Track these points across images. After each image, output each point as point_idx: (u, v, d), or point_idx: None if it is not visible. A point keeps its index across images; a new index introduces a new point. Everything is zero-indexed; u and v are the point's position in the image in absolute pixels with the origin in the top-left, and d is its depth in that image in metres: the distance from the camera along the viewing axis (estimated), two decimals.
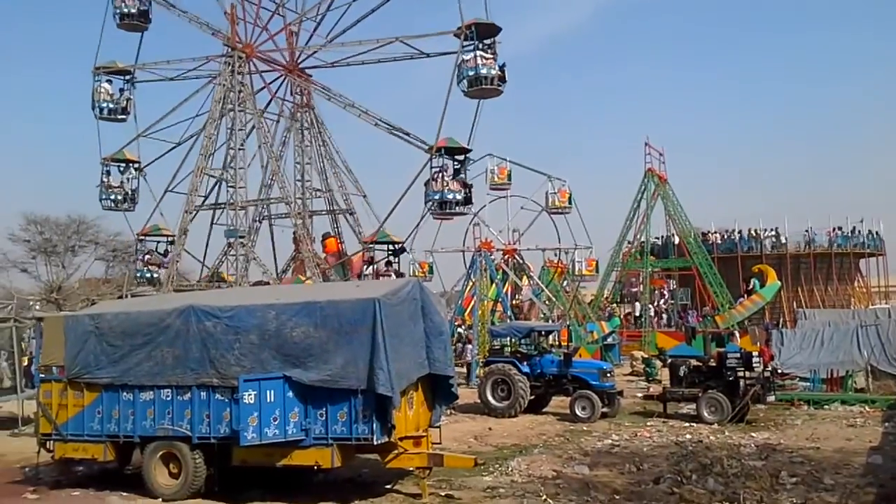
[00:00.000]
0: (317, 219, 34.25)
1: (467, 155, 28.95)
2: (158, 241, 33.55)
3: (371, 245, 28.95)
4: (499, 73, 28.19)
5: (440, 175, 28.15)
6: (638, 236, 45.58)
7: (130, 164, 33.73)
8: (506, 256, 37.45)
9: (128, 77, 33.55)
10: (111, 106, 33.02)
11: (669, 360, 22.75)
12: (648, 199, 44.06)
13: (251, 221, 32.38)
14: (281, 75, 33.08)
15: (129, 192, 33.59)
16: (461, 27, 28.18)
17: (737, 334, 34.77)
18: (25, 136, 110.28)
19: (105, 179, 33.17)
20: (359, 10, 32.17)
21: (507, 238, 36.90)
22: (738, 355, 20.66)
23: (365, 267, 29.01)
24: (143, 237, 33.04)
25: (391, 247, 29.79)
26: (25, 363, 21.09)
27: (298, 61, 32.75)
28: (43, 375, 13.50)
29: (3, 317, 22.12)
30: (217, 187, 32.11)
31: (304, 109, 33.42)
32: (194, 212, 30.64)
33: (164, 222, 33.02)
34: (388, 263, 29.96)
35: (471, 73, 27.93)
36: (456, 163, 28.87)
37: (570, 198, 36.74)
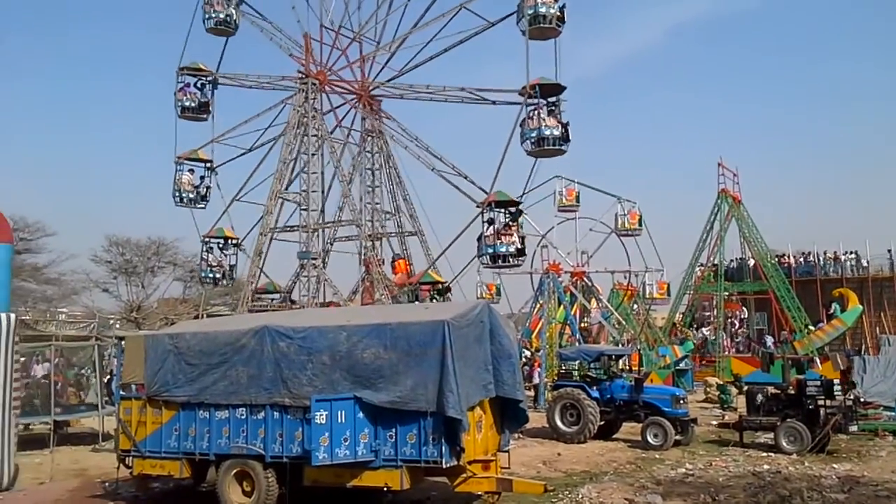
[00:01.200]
0: (385, 242, 34.76)
1: (519, 207, 29.02)
2: (222, 244, 34.55)
3: (488, 206, 28.94)
4: (562, 132, 28.23)
5: (492, 228, 28.32)
6: (711, 259, 44.58)
7: (204, 164, 34.94)
8: (574, 279, 37.10)
9: (209, 78, 34.75)
10: (192, 104, 34.21)
11: (746, 387, 22.07)
12: (722, 220, 43.11)
13: (323, 243, 32.96)
14: (352, 101, 33.82)
15: (202, 190, 34.73)
16: (525, 87, 28.43)
17: (817, 361, 33.56)
18: (108, 163, 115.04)
19: (179, 177, 34.40)
20: (431, 48, 32.67)
21: (575, 260, 36.61)
22: (819, 383, 19.88)
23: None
24: (208, 239, 34.08)
25: (436, 287, 30.02)
26: (106, 380, 21.86)
27: (370, 89, 33.42)
28: (123, 393, 13.97)
29: (86, 335, 22.98)
30: (281, 208, 32.93)
31: (374, 134, 34.04)
32: (269, 234, 31.42)
33: (231, 227, 34.13)
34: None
35: (533, 134, 28.07)
36: (508, 214, 28.96)
37: (640, 220, 36.23)
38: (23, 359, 17.30)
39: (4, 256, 12.85)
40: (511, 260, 28.97)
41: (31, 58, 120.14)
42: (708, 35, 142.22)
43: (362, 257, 33.16)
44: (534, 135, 28.14)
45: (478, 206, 28.78)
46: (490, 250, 28.37)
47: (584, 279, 36.98)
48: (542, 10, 28.48)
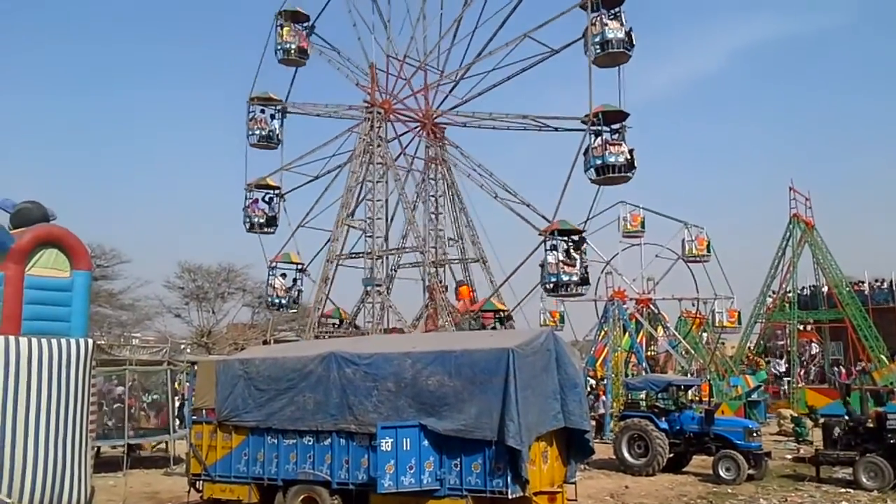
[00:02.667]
0: (448, 268, 34.92)
1: (582, 235, 28.76)
2: (288, 270, 35.25)
3: (551, 234, 28.76)
4: (627, 160, 27.89)
5: (554, 256, 28.05)
6: (784, 286, 43.37)
7: (273, 191, 35.85)
8: (640, 306, 36.56)
9: (279, 108, 35.75)
10: (263, 133, 35.20)
11: (822, 420, 21.30)
12: (794, 246, 41.96)
13: (387, 270, 33.31)
14: (415, 129, 34.30)
15: (270, 217, 35.58)
16: (588, 115, 28.19)
17: None
18: (182, 190, 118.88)
19: (249, 203, 35.35)
20: (494, 76, 32.93)
21: (641, 287, 36.12)
22: None
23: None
24: (274, 264, 34.82)
25: (497, 315, 29.87)
26: (178, 405, 22.42)
27: (434, 117, 33.84)
28: (195, 417, 14.32)
29: (158, 360, 23.62)
30: (347, 235, 33.50)
31: (437, 161, 34.39)
32: (335, 260, 31.92)
33: (297, 252, 34.86)
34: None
35: (598, 162, 27.79)
36: (571, 243, 28.69)
37: (708, 245, 35.56)
38: (99, 382, 17.85)
39: (84, 283, 13.31)
40: (574, 289, 28.59)
41: (107, 89, 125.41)
42: (778, 56, 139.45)
43: (426, 284, 33.38)
44: (598, 163, 27.79)
45: (540, 235, 28.58)
46: (553, 279, 28.06)
47: (651, 306, 36.42)
48: (610, 35, 28.22)
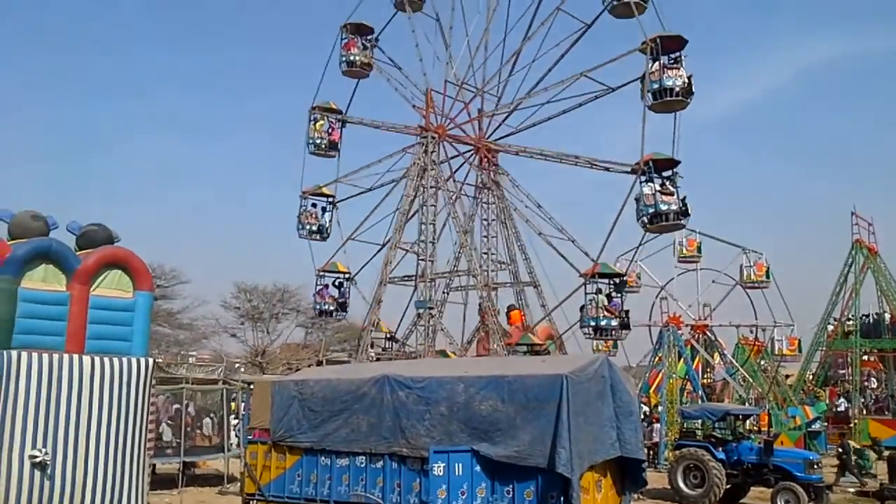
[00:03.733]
0: (501, 292, 34.81)
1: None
2: (336, 277, 35.49)
3: (591, 277, 28.29)
4: (679, 207, 27.29)
5: (594, 301, 27.63)
6: (846, 313, 42.03)
7: (327, 199, 36.30)
8: (695, 332, 35.87)
9: (339, 118, 36.28)
10: (322, 142, 35.73)
11: (887, 453, 20.53)
12: (857, 272, 40.73)
13: (440, 293, 33.33)
14: (468, 154, 34.46)
15: (324, 225, 36.00)
16: (646, 42, 27.68)
17: None
18: (243, 210, 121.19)
19: (304, 211, 35.83)
20: (548, 108, 32.91)
21: (697, 313, 35.43)
22: None
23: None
24: (322, 273, 35.15)
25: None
26: (235, 424, 22.68)
27: (486, 135, 33.98)
28: (250, 437, 14.47)
29: (214, 378, 23.97)
30: (403, 257, 33.69)
31: (490, 185, 34.44)
32: (387, 283, 32.14)
33: (345, 261, 35.17)
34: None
35: (650, 211, 27.27)
36: (612, 286, 28.26)
37: (767, 271, 34.80)
38: (159, 401, 18.20)
39: (146, 304, 13.61)
40: (613, 333, 28.18)
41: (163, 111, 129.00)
42: (838, 77, 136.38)
43: (479, 307, 33.27)
44: (650, 211, 27.21)
45: (580, 277, 28.23)
46: (592, 322, 27.69)
47: (707, 333, 35.68)
48: (669, 82, 27.68)
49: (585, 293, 27.98)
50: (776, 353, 35.52)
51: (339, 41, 35.55)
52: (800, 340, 36.45)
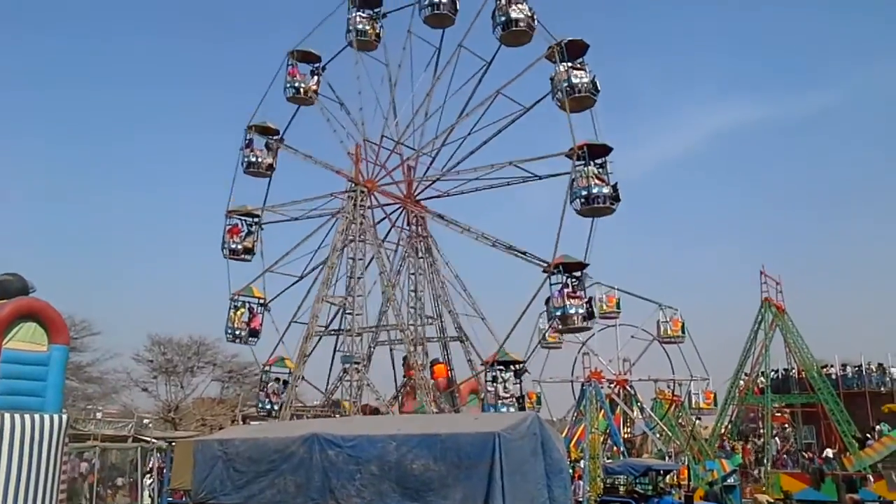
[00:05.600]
0: (430, 345, 34.63)
1: (585, 271, 28.68)
2: (280, 375, 33.94)
3: (491, 365, 28.60)
4: (611, 191, 28.37)
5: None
6: (756, 368, 43.50)
7: (253, 219, 35.49)
8: (616, 387, 36.49)
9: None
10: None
11: None
12: (766, 329, 42.26)
13: (367, 347, 32.92)
14: (399, 207, 34.48)
15: (249, 245, 35.13)
16: (573, 148, 28.75)
17: (870, 478, 32.04)
18: (156, 261, 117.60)
19: (232, 315, 34.64)
20: (471, 143, 33.43)
21: (617, 368, 36.12)
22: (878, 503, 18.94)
23: (487, 385, 28.53)
24: (268, 368, 33.82)
25: (513, 367, 29.25)
26: (148, 483, 21.65)
27: (415, 193, 34.13)
28: (170, 499, 13.82)
29: (124, 435, 22.94)
30: (336, 314, 33.06)
31: (419, 238, 34.50)
32: (315, 338, 31.50)
33: (287, 354, 33.71)
34: (518, 377, 29.17)
35: (583, 193, 28.17)
36: (574, 279, 28.69)
37: (683, 327, 35.93)
38: (69, 458, 17.26)
39: (61, 358, 13.05)
40: (582, 322, 28.30)
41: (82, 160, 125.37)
42: (747, 140, 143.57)
43: (404, 362, 32.98)
44: (584, 193, 28.17)
45: (544, 271, 28.50)
46: (559, 312, 27.81)
47: (627, 388, 36.34)
48: (575, 80, 29.37)
49: (550, 285, 28.23)
50: (693, 406, 36.39)
51: (286, 67, 35.35)
52: (715, 394, 37.54)
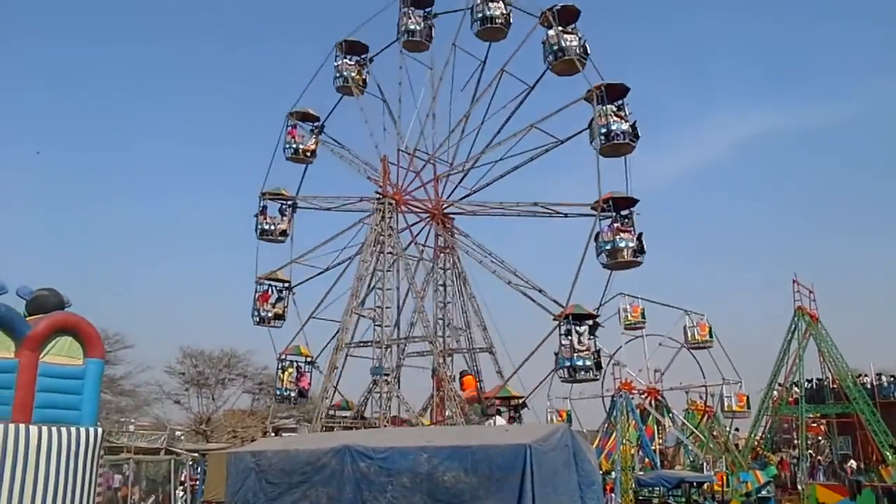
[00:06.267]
0: (457, 358, 34.63)
1: (596, 320, 28.69)
2: (298, 362, 34.54)
3: (493, 400, 28.94)
4: (637, 244, 28.17)
5: (569, 342, 27.90)
6: (790, 378, 42.78)
7: (283, 284, 35.65)
8: (647, 397, 36.13)
9: (290, 203, 35.96)
10: (272, 228, 35.26)
11: None
12: (800, 339, 41.57)
13: (396, 359, 32.99)
14: (426, 220, 34.60)
15: (279, 311, 35.27)
16: (598, 201, 28.63)
17: None
18: (189, 272, 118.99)
19: (258, 296, 35.08)
20: (502, 166, 33.60)
21: (647, 378, 35.83)
22: None
23: (561, 339, 28.39)
24: (283, 357, 34.25)
25: (512, 402, 29.51)
26: (181, 495, 21.79)
27: (443, 208, 34.23)
28: None
29: (156, 447, 23.12)
30: (358, 324, 33.26)
31: (447, 251, 34.58)
32: (344, 349, 31.67)
33: (306, 344, 34.33)
34: (511, 420, 29.39)
35: (608, 247, 28.04)
36: (585, 327, 28.53)
37: (710, 331, 35.72)
38: (104, 471, 17.46)
39: (96, 372, 13.14)
40: (589, 373, 28.23)
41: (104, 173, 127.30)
42: (773, 149, 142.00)
43: (433, 373, 32.99)
44: (608, 247, 28.00)
45: (554, 320, 28.49)
46: (567, 363, 27.79)
47: (659, 398, 35.99)
48: (615, 127, 28.95)
49: (560, 335, 28.11)
50: (726, 409, 36.06)
51: (285, 129, 35.84)
52: (748, 397, 37.13)
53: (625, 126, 29.13)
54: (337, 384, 31.93)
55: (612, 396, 33.44)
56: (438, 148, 34.82)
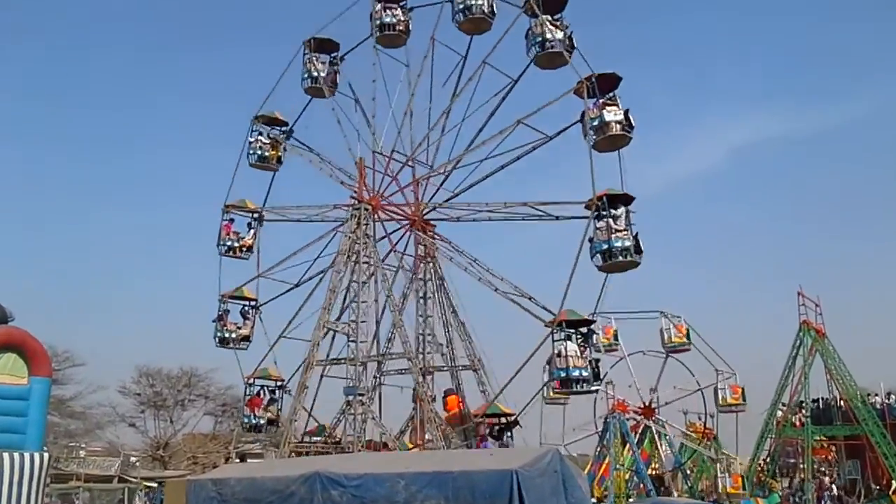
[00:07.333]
0: (438, 376, 34.43)
1: (591, 327, 28.52)
2: (266, 386, 34.06)
3: (481, 418, 28.69)
4: (634, 244, 27.95)
5: (563, 351, 27.65)
6: (795, 398, 43.05)
7: (249, 303, 35.25)
8: (641, 417, 36.41)
9: (255, 216, 35.77)
10: (236, 244, 35.00)
11: None
12: (805, 355, 41.93)
13: (371, 378, 32.78)
14: (405, 227, 34.46)
15: (246, 333, 34.80)
16: (592, 199, 28.40)
17: None
18: (144, 286, 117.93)
19: (221, 317, 34.63)
20: (487, 166, 33.26)
21: (638, 395, 36.19)
22: None
23: (555, 346, 28.22)
24: (251, 381, 33.84)
25: (502, 420, 29.32)
26: None
27: (423, 214, 34.13)
28: None
29: (109, 475, 22.89)
30: (334, 341, 32.96)
31: (427, 261, 34.45)
32: (315, 367, 31.34)
33: (276, 367, 33.88)
34: (498, 437, 29.18)
35: (603, 247, 27.84)
36: (579, 335, 28.41)
37: (687, 333, 36.50)
38: (51, 500, 17.27)
39: (43, 392, 13.04)
40: (585, 385, 27.87)
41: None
42: (772, 154, 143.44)
43: (413, 393, 32.84)
44: (604, 248, 27.75)
45: (547, 326, 28.17)
46: (562, 374, 27.43)
47: (656, 417, 36.28)
48: (609, 117, 28.70)
49: (553, 342, 27.77)
50: (721, 402, 36.44)
51: (250, 133, 35.60)
52: (743, 388, 37.49)
53: (619, 116, 28.74)
54: (310, 407, 31.59)
55: (605, 418, 33.47)
56: (417, 148, 34.59)
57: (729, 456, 38.25)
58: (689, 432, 39.97)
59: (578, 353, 27.23)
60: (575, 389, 27.79)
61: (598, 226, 28.05)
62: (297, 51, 35.72)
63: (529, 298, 29.42)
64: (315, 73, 35.08)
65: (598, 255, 27.91)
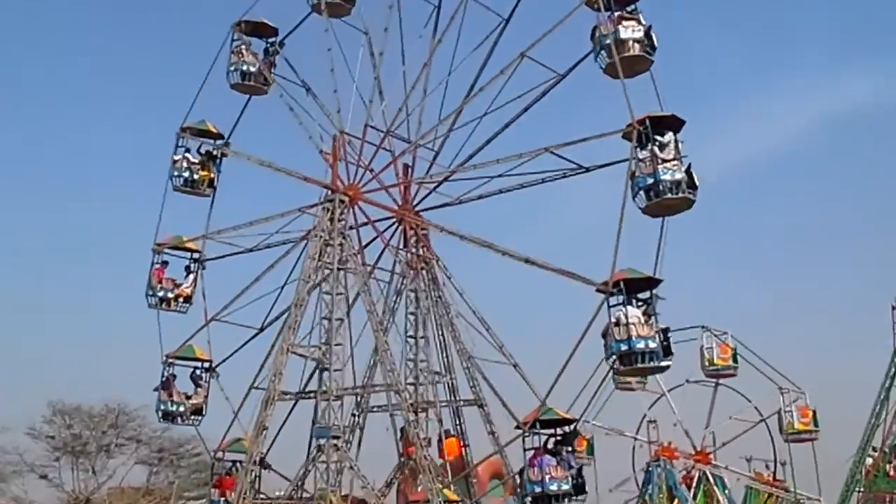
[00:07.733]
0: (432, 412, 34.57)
1: (656, 291, 27.97)
2: (236, 462, 33.48)
3: (528, 428, 27.92)
4: (686, 177, 27.50)
5: (623, 318, 26.95)
6: (889, 441, 43.22)
7: (190, 253, 35.27)
8: (695, 465, 36.65)
9: (195, 256, 35.64)
10: (170, 294, 34.85)
11: None
12: None
13: (349, 416, 32.89)
14: (392, 221, 34.47)
15: (198, 401, 34.62)
16: (632, 124, 27.95)
17: None
18: (57, 303, 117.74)
19: (166, 383, 34.41)
20: (488, 128, 33.30)
21: (687, 436, 36.44)
22: None
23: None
24: (220, 454, 33.58)
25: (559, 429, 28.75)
26: None
27: (414, 201, 34.20)
28: None
29: None
30: (304, 370, 32.94)
31: (421, 265, 34.46)
32: (275, 402, 31.26)
33: (245, 431, 33.11)
34: (556, 451, 28.57)
35: (648, 181, 27.36)
36: (641, 302, 27.85)
37: (734, 355, 36.62)
38: None
39: None
40: (654, 359, 27.21)
41: None
42: (865, 128, 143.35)
43: (402, 435, 32.99)
44: (649, 181, 27.40)
45: (599, 291, 27.61)
46: (623, 346, 26.85)
47: (711, 464, 36.51)
48: (626, 34, 28.45)
49: (608, 309, 27.32)
50: (786, 427, 36.59)
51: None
52: (814, 411, 37.64)
53: (638, 34, 28.51)
54: (259, 445, 31.49)
55: (647, 465, 33.66)
56: (395, 119, 34.40)
57: (810, 498, 38.03)
58: (754, 479, 40.15)
59: (642, 321, 26.83)
60: (640, 365, 27.23)
61: (640, 156, 27.78)
62: (223, 40, 35.68)
63: (568, 274, 28.85)
64: (245, 68, 35.26)
65: (641, 192, 27.50)
